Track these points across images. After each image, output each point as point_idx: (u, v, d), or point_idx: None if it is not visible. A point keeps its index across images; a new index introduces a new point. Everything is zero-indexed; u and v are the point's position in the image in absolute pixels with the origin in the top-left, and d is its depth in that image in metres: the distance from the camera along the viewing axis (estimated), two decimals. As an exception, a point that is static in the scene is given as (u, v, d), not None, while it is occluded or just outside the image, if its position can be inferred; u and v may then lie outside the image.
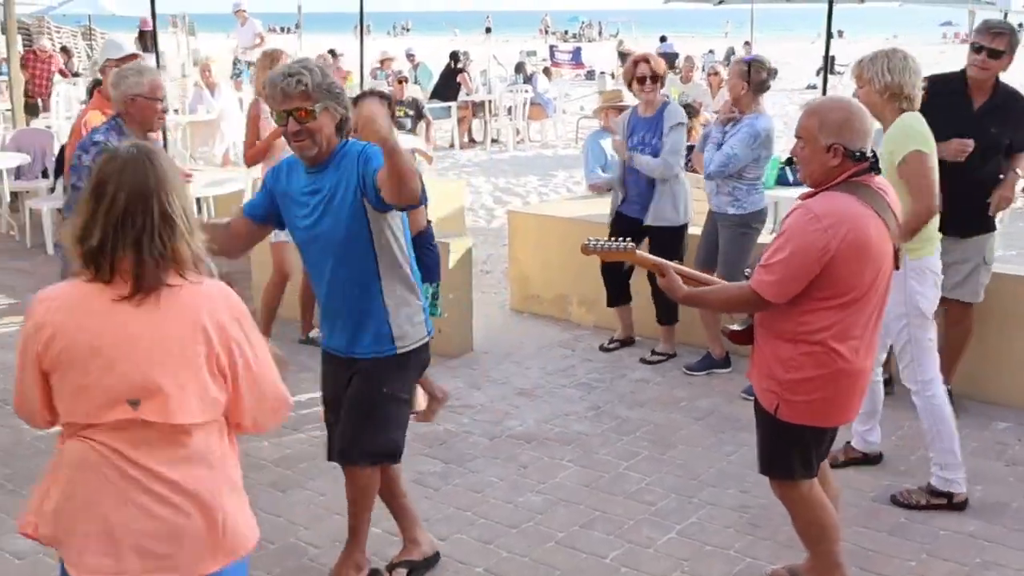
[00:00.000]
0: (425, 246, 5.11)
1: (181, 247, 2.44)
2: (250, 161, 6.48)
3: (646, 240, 6.24)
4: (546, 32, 64.97)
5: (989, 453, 5.06)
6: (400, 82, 14.75)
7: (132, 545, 2.45)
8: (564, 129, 18.52)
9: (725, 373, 6.13)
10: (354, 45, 13.33)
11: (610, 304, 6.67)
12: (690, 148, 7.44)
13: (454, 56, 18.09)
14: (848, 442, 4.87)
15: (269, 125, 6.03)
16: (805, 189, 3.52)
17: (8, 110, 12.73)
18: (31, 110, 13.68)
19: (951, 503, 4.45)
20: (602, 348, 6.67)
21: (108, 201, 2.38)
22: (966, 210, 4.80)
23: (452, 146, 16.61)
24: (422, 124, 14.43)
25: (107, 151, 2.49)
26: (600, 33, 65.44)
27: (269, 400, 2.59)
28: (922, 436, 4.59)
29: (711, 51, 30.67)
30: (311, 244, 3.58)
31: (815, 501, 3.58)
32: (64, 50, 21.50)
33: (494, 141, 17.41)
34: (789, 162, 3.70)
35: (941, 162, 4.49)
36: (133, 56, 6.34)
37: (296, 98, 3.37)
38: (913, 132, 4.39)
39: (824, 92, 10.28)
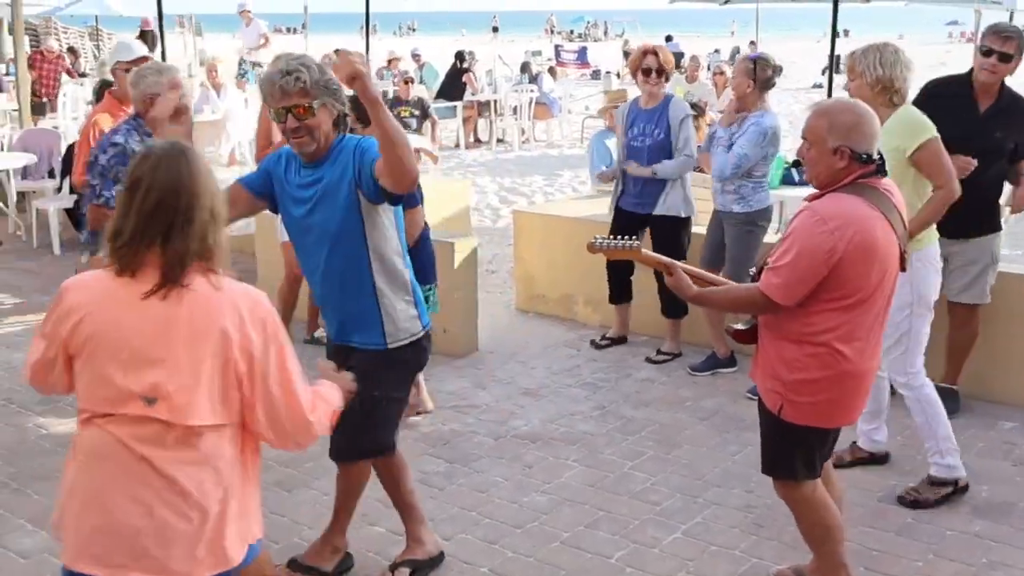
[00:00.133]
0: (421, 246, 5.13)
1: (210, 245, 2.48)
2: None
3: (647, 233, 6.24)
4: (551, 32, 64.96)
5: (996, 453, 5.04)
6: (406, 82, 14.76)
7: (127, 543, 2.46)
8: (569, 129, 18.51)
9: (730, 373, 6.12)
10: (360, 45, 13.34)
11: (612, 301, 6.67)
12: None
13: (459, 56, 18.10)
14: (854, 442, 4.86)
15: None
16: (811, 189, 3.51)
17: (15, 110, 12.76)
18: (38, 109, 13.72)
19: (956, 488, 4.49)
20: (594, 344, 6.68)
21: (141, 196, 2.44)
22: (970, 212, 4.80)
23: (457, 146, 16.61)
24: (427, 124, 14.44)
25: (144, 148, 2.54)
26: (605, 33, 65.43)
27: (285, 422, 2.57)
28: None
29: (716, 51, 30.68)
30: (305, 235, 3.61)
31: (818, 502, 3.57)
32: (71, 50, 21.55)
33: (499, 141, 17.41)
34: (796, 164, 3.70)
35: None
36: (144, 59, 6.35)
37: (295, 95, 3.38)
38: (919, 122, 4.48)
39: (830, 91, 10.28)
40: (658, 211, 6.26)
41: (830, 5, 9.85)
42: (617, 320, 6.73)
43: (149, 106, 4.82)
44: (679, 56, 20.43)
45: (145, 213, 2.43)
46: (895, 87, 4.47)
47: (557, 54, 34.38)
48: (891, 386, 4.71)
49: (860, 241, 3.24)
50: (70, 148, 9.65)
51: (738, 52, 29.78)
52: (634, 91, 6.76)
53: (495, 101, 17.48)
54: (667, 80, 6.38)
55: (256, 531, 2.68)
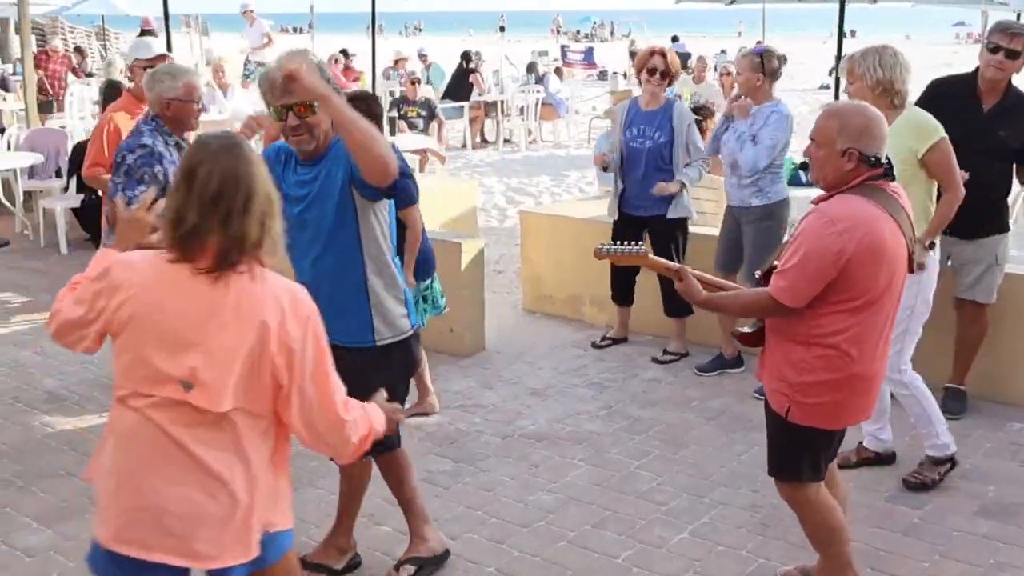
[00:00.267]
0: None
1: (266, 233, 2.52)
2: None
3: (647, 235, 6.25)
4: (558, 32, 65.00)
5: (1004, 453, 5.03)
6: (413, 83, 14.76)
7: (157, 523, 2.50)
8: (576, 129, 18.50)
9: (737, 373, 6.11)
10: (366, 45, 13.35)
11: (616, 301, 6.67)
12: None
13: (466, 56, 18.09)
14: (860, 442, 4.85)
15: None
16: (818, 191, 3.50)
17: (22, 110, 12.78)
18: (44, 108, 13.74)
19: (953, 464, 4.68)
20: (594, 344, 6.67)
21: (201, 183, 2.47)
22: (974, 212, 4.80)
23: (464, 146, 16.62)
24: (434, 124, 14.44)
25: (198, 139, 2.59)
26: (612, 33, 65.44)
27: (318, 420, 2.59)
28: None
29: (723, 51, 30.54)
30: (300, 231, 3.61)
31: (822, 504, 3.56)
32: (78, 50, 21.61)
33: (506, 141, 17.41)
34: (803, 166, 3.70)
35: None
36: (162, 57, 6.36)
37: (296, 93, 3.39)
38: (929, 123, 4.54)
39: (836, 92, 10.25)
40: (659, 213, 6.25)
41: (837, 5, 9.82)
42: (618, 320, 6.73)
43: (165, 108, 4.85)
44: (686, 56, 20.41)
45: (207, 201, 2.46)
46: (895, 89, 4.51)
47: (563, 54, 34.31)
48: None
49: (869, 243, 3.23)
50: (77, 147, 9.68)
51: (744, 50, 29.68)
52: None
53: (502, 101, 17.49)
54: (670, 84, 6.37)
55: (281, 522, 2.70)
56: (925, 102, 5.10)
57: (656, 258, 3.75)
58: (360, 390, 3.63)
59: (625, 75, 25.50)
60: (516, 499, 4.61)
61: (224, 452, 2.52)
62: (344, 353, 3.65)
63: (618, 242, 3.80)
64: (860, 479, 4.60)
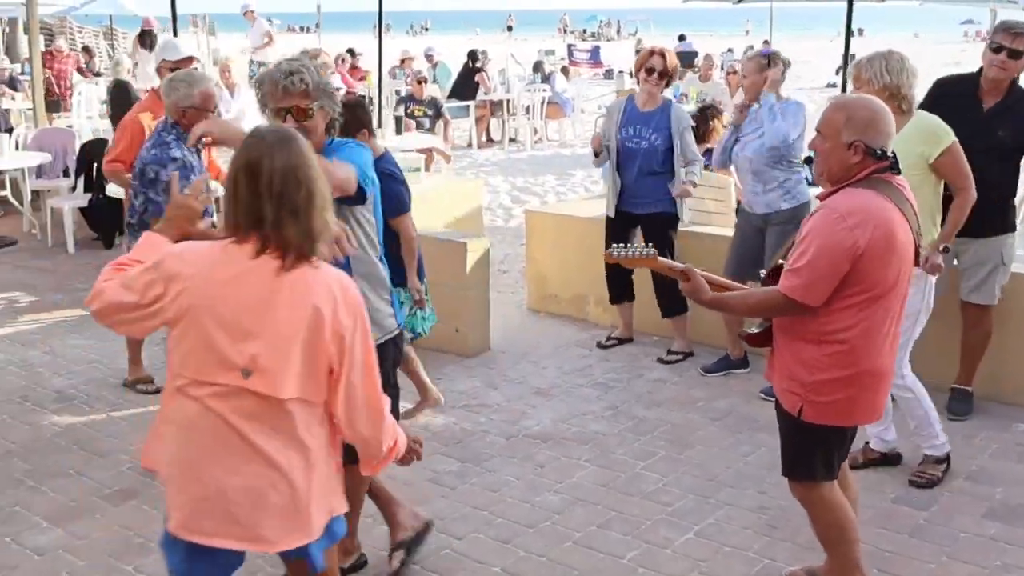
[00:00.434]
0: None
1: (323, 222, 2.57)
2: None
3: (639, 232, 6.28)
4: (564, 31, 64.98)
5: (1010, 455, 5.02)
6: (420, 82, 14.77)
7: (221, 511, 2.55)
8: (582, 128, 18.48)
9: (743, 373, 6.11)
10: (373, 44, 13.34)
11: (612, 301, 6.67)
12: (708, 151, 7.40)
13: (472, 55, 18.09)
14: (866, 443, 4.85)
15: None
16: (818, 191, 3.50)
17: (30, 109, 12.81)
18: (51, 107, 13.77)
19: (948, 463, 4.76)
20: (599, 345, 6.67)
21: (267, 178, 2.51)
22: (978, 211, 4.79)
23: (470, 145, 16.62)
24: (440, 123, 14.45)
25: (252, 134, 2.62)
26: (619, 32, 65.44)
27: (360, 407, 2.63)
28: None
29: (730, 50, 30.54)
30: None
31: (835, 503, 3.56)
32: (86, 50, 21.67)
33: (512, 140, 17.41)
34: (808, 160, 3.71)
35: None
36: (189, 60, 6.36)
37: (296, 96, 3.41)
38: (939, 128, 4.58)
39: (843, 91, 10.24)
40: (655, 211, 6.25)
41: (844, 4, 9.82)
42: (622, 320, 6.73)
43: (181, 116, 4.85)
44: (693, 55, 20.40)
45: (275, 192, 2.50)
46: (902, 94, 4.54)
47: (570, 53, 34.32)
48: None
49: (881, 235, 3.23)
50: (84, 147, 9.71)
51: (751, 50, 29.69)
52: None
53: (508, 100, 17.49)
54: (668, 85, 6.36)
55: (338, 506, 2.76)
56: (930, 101, 5.09)
57: (666, 260, 3.75)
58: None
59: (631, 74, 25.39)
60: (522, 499, 4.62)
61: (284, 441, 2.56)
62: None
63: (627, 245, 3.81)
64: (865, 480, 4.59)
